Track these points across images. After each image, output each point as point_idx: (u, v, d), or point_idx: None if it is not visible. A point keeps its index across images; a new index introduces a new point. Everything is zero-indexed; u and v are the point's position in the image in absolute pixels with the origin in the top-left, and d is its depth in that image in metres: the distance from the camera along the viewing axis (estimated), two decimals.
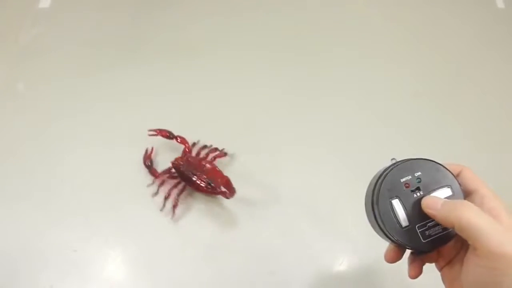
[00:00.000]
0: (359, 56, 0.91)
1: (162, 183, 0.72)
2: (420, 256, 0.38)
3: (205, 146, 0.76)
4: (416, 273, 0.38)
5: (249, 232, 0.70)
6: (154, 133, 0.76)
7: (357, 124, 0.81)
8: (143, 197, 0.73)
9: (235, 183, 0.68)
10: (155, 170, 0.74)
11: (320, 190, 0.74)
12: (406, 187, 0.36)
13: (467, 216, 0.31)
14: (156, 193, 0.72)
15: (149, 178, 0.74)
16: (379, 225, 0.36)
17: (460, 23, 0.96)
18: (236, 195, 0.68)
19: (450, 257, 0.36)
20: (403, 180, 0.36)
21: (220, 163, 0.75)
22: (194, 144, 0.76)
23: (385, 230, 0.35)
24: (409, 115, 0.83)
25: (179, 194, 0.70)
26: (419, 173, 0.36)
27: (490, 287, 0.30)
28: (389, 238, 0.36)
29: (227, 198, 0.67)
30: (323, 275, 0.66)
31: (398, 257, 0.38)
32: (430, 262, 0.38)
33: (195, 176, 0.69)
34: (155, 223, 0.71)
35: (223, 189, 0.67)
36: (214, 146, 0.76)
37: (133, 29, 0.96)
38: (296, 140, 0.80)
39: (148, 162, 0.75)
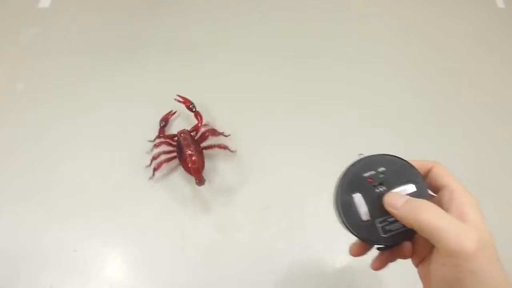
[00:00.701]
0: (359, 56, 0.91)
1: (159, 145, 0.75)
2: (388, 251, 0.38)
3: (213, 131, 0.77)
4: (378, 266, 0.38)
5: (249, 231, 0.70)
6: (181, 99, 0.80)
7: (358, 124, 0.81)
8: (143, 197, 0.73)
9: (236, 182, 0.68)
10: (163, 131, 0.78)
11: (320, 189, 0.73)
12: (369, 182, 0.36)
13: (426, 218, 0.31)
14: (150, 151, 0.75)
15: (148, 175, 0.74)
16: (341, 219, 0.36)
17: (460, 23, 0.96)
18: (235, 195, 0.67)
19: (424, 254, 0.36)
20: (366, 175, 0.36)
21: (221, 159, 0.75)
22: (207, 124, 0.79)
23: (346, 223, 0.36)
24: (409, 115, 0.83)
25: (165, 161, 0.73)
26: (383, 168, 0.36)
27: (454, 283, 0.31)
28: (350, 231, 0.36)
29: (197, 184, 0.70)
30: (322, 274, 0.66)
31: (362, 251, 0.38)
32: (404, 258, 0.38)
33: (187, 151, 0.70)
34: (155, 223, 0.71)
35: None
36: (223, 139, 0.77)
37: (133, 29, 0.96)
38: (296, 139, 0.80)
39: (163, 122, 0.79)
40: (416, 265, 0.37)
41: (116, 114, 0.83)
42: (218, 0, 1.01)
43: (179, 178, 0.75)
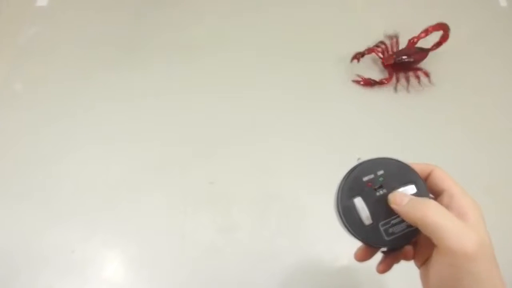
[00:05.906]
0: None
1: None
2: (393, 254, 0.38)
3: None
4: (384, 269, 0.38)
5: (249, 231, 0.70)
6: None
7: (358, 124, 0.81)
8: (143, 197, 0.73)
9: (236, 182, 0.67)
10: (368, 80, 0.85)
11: (320, 189, 0.73)
12: (369, 185, 0.36)
13: (431, 214, 0.31)
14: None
15: (149, 177, 0.74)
16: (344, 224, 0.36)
17: (461, 22, 0.95)
18: (235, 195, 0.67)
19: (427, 255, 0.36)
20: (365, 179, 0.37)
21: (222, 161, 0.75)
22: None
23: (349, 229, 0.36)
24: (409, 115, 0.83)
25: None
26: (382, 171, 0.36)
27: (453, 283, 0.31)
28: (354, 236, 0.36)
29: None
30: (323, 275, 0.66)
31: (368, 256, 0.38)
32: (407, 260, 0.38)
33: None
34: (155, 223, 0.71)
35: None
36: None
37: (133, 29, 0.95)
38: (296, 139, 0.79)
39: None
40: (419, 267, 0.37)
41: (115, 114, 0.83)
42: (218, 0, 1.00)
43: (180, 177, 0.75)
